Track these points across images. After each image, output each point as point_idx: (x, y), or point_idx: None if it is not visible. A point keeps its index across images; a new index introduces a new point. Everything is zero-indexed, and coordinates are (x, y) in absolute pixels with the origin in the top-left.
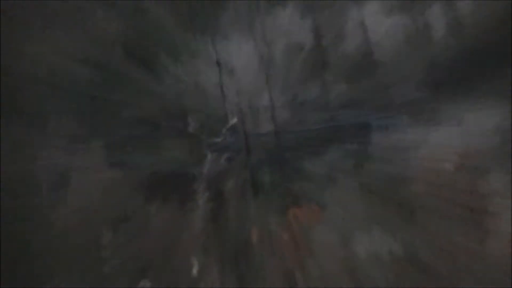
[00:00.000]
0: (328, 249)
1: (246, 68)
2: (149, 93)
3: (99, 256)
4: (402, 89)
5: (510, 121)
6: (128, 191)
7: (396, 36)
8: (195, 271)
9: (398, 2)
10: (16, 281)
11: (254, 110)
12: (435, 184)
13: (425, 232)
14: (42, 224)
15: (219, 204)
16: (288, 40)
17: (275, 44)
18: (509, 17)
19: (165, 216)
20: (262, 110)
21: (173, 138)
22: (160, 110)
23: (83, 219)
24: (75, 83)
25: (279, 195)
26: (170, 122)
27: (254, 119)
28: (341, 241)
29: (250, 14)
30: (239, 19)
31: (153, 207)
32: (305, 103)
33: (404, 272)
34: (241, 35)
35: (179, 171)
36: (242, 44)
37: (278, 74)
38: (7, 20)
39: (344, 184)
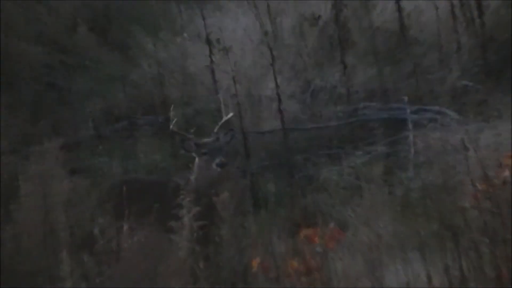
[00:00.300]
0: (350, 279)
1: (244, 47)
2: (121, 80)
3: None
4: (444, 75)
5: None
6: (95, 205)
7: (437, 6)
8: None
9: None
10: None
11: (255, 101)
12: (486, 196)
13: (474, 257)
14: None
15: (210, 222)
16: (298, 11)
17: (282, 16)
18: None
19: (141, 236)
20: (266, 102)
21: (152, 137)
22: (135, 102)
23: (36, 241)
24: (28, 68)
25: (287, 211)
26: (148, 117)
27: (255, 113)
28: (367, 269)
29: None
30: None
31: (127, 226)
32: (320, 93)
33: None
34: (238, 5)
35: (159, 180)
36: (240, 17)
37: (286, 55)
38: None
39: (370, 197)
